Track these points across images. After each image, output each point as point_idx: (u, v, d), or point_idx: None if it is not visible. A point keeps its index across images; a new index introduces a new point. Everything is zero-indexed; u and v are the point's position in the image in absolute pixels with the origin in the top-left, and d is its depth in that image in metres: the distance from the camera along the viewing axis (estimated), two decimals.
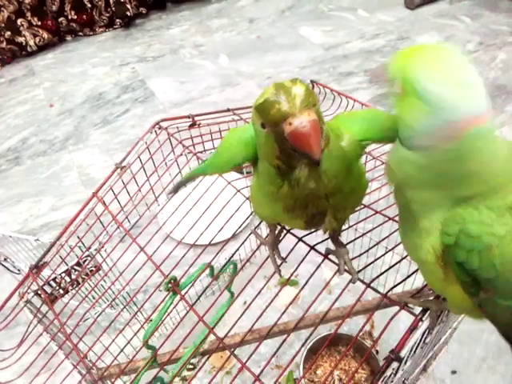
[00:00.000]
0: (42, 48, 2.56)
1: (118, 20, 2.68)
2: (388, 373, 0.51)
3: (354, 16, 2.58)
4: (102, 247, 0.85)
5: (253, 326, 0.66)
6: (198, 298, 0.71)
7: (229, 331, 0.66)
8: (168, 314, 0.67)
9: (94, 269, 0.93)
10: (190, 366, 1.01)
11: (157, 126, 0.87)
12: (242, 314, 0.63)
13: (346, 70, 2.14)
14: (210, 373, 1.11)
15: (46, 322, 0.76)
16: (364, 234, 0.75)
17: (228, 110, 0.94)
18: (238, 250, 0.74)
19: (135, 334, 0.72)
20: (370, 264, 0.65)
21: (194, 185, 0.86)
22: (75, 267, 0.89)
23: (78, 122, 2.05)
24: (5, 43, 2.46)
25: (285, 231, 0.68)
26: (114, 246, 0.81)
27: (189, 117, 0.89)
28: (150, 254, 0.76)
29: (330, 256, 0.64)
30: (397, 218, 0.74)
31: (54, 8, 2.52)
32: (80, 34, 2.68)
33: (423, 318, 0.53)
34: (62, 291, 0.87)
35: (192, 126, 0.89)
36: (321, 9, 2.69)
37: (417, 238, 0.43)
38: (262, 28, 2.57)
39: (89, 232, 0.82)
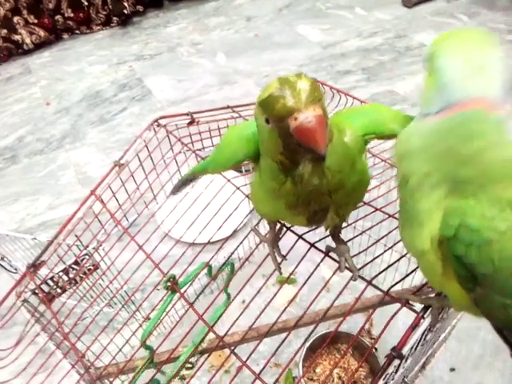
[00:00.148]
0: (39, 46, 2.54)
1: (115, 18, 2.67)
2: (390, 370, 0.51)
3: (352, 14, 2.57)
4: (100, 246, 0.85)
5: (253, 325, 0.65)
6: (197, 297, 0.70)
7: (228, 330, 0.66)
8: (167, 313, 0.66)
9: (91, 267, 0.92)
10: (189, 365, 1.01)
11: (155, 123, 0.87)
12: (242, 313, 0.63)
13: (344, 69, 2.13)
14: (208, 371, 1.10)
15: (44, 322, 0.76)
16: (363, 232, 0.75)
17: (227, 108, 0.94)
18: (236, 248, 0.73)
19: (133, 334, 0.72)
20: (370, 262, 0.65)
21: (193, 183, 0.86)
22: (73, 266, 0.88)
23: (74, 121, 2.03)
24: (1, 41, 2.44)
25: (285, 229, 0.68)
26: (112, 245, 0.81)
27: (188, 114, 0.88)
28: (148, 252, 0.75)
29: (331, 253, 0.64)
30: (397, 216, 0.74)
31: (51, 6, 2.50)
32: (77, 31, 2.67)
33: (425, 316, 0.52)
34: (59, 290, 0.86)
35: (191, 123, 0.89)
36: (318, 7, 2.68)
37: (416, 228, 0.42)
38: (260, 26, 2.57)
39: (87, 230, 0.82)
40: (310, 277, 0.63)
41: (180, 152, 0.89)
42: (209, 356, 0.70)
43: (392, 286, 0.59)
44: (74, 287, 0.88)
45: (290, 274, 0.67)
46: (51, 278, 0.87)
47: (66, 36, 2.65)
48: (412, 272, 0.64)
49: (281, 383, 1.06)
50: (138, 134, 0.89)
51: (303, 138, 0.39)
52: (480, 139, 0.35)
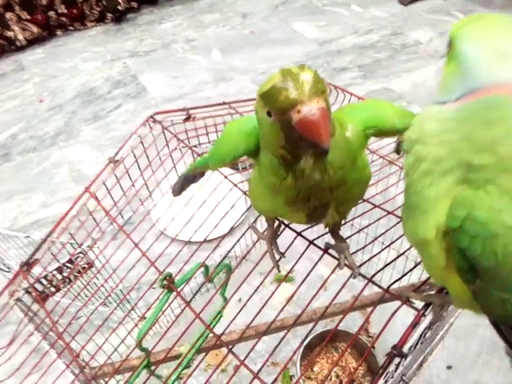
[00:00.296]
0: (32, 42, 2.52)
1: (109, 14, 2.65)
2: (390, 369, 0.50)
3: (348, 11, 2.57)
4: (95, 244, 0.84)
5: (250, 323, 0.64)
6: (194, 296, 0.69)
7: (226, 328, 0.65)
8: (163, 312, 0.65)
9: (86, 266, 0.91)
10: (186, 365, 1.00)
11: (151, 119, 0.86)
12: (239, 312, 0.62)
13: (340, 66, 2.13)
14: (205, 370, 1.10)
15: (37, 321, 0.74)
16: (361, 230, 0.74)
17: (223, 104, 0.92)
18: (233, 246, 0.72)
19: (129, 333, 0.70)
20: (368, 260, 0.65)
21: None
22: (67, 264, 0.87)
23: (68, 118, 2.01)
24: None
25: (283, 226, 0.67)
26: (107, 243, 0.80)
27: (183, 110, 0.87)
28: (143, 250, 0.74)
29: (330, 251, 0.63)
30: (395, 212, 0.74)
31: (44, 2, 2.47)
32: (70, 28, 2.64)
33: (425, 313, 0.52)
34: (53, 289, 0.85)
35: (187, 119, 0.87)
36: (314, 4, 2.67)
37: (421, 216, 0.41)
38: (255, 23, 2.55)
39: (81, 228, 0.80)
40: (308, 275, 0.62)
41: (176, 148, 0.88)
42: (206, 355, 0.69)
43: (392, 284, 0.58)
44: (68, 286, 0.87)
45: (288, 272, 0.66)
46: (45, 277, 0.86)
47: (59, 32, 2.62)
48: (411, 270, 0.63)
49: (278, 382, 1.06)
50: (132, 131, 0.87)
51: (306, 131, 0.38)
52: (501, 125, 0.34)
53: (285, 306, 0.62)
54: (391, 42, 2.26)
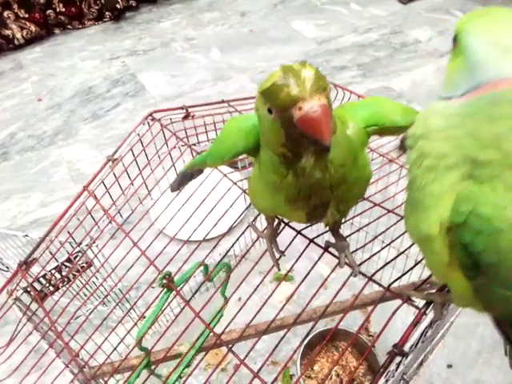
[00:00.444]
0: (30, 41, 2.50)
1: (107, 13, 2.64)
2: (391, 368, 0.50)
3: (347, 10, 2.56)
4: (94, 242, 0.83)
5: (250, 322, 0.64)
6: (193, 295, 0.69)
7: (226, 328, 0.65)
8: (162, 311, 0.65)
9: (85, 265, 0.90)
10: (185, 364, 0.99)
11: (149, 117, 0.85)
12: (239, 311, 0.62)
13: (340, 64, 2.12)
14: (204, 370, 1.09)
15: (36, 320, 0.74)
16: (360, 229, 0.74)
17: (222, 102, 0.92)
18: (233, 245, 0.72)
19: (128, 332, 0.70)
20: (368, 258, 0.64)
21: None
22: (66, 263, 0.86)
23: (67, 117, 2.01)
24: None
25: (283, 224, 0.67)
26: (106, 242, 0.79)
27: (182, 108, 0.87)
28: (142, 249, 0.74)
29: (330, 249, 0.63)
30: (396, 211, 0.73)
31: (42, 0, 2.46)
32: (69, 26, 2.63)
33: (427, 312, 0.51)
34: (52, 288, 0.85)
35: (186, 117, 0.87)
36: (313, 2, 2.67)
37: (424, 212, 0.40)
38: (254, 21, 2.55)
39: (79, 227, 0.80)
40: (308, 274, 0.62)
41: (175, 147, 0.87)
42: (206, 354, 0.69)
43: (393, 282, 0.58)
44: (67, 285, 0.86)
45: (288, 271, 0.66)
46: (43, 276, 0.85)
47: (57, 31, 2.61)
48: (411, 269, 0.63)
49: (278, 381, 1.05)
50: (131, 130, 0.87)
51: (308, 128, 0.38)
52: (506, 121, 0.34)
53: (285, 304, 0.61)
54: (391, 41, 2.26)
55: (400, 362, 0.52)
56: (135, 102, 2.04)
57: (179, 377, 0.73)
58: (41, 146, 1.86)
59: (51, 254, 0.81)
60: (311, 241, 0.64)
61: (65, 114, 2.02)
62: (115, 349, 0.71)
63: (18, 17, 2.43)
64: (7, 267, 1.06)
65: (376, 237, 0.72)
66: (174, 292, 0.65)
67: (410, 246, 0.67)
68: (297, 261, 0.65)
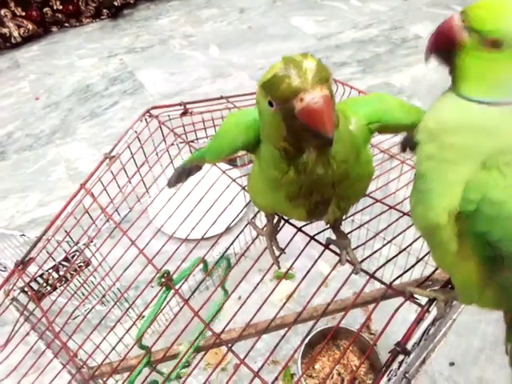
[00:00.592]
0: (27, 39, 2.49)
1: (105, 10, 2.62)
2: (394, 366, 0.49)
3: (347, 5, 2.55)
4: (91, 241, 0.82)
5: (250, 321, 0.63)
6: (193, 293, 0.68)
7: (225, 327, 0.64)
8: (161, 310, 0.64)
9: (82, 264, 0.89)
10: (185, 363, 0.98)
11: (147, 113, 0.84)
12: (238, 310, 0.61)
13: (339, 60, 2.11)
14: (204, 369, 1.08)
15: (34, 320, 0.73)
16: (361, 226, 0.73)
17: (221, 98, 0.91)
18: (232, 243, 0.71)
19: (127, 332, 0.69)
20: (370, 255, 0.63)
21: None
22: (63, 263, 0.85)
23: (64, 115, 1.99)
24: None
25: (283, 221, 0.66)
26: (104, 240, 0.78)
27: (180, 104, 0.86)
28: (140, 248, 0.73)
29: (331, 246, 0.62)
30: (397, 207, 0.72)
31: None
32: (66, 24, 2.61)
33: (429, 309, 0.51)
34: (49, 288, 0.84)
35: (184, 114, 0.86)
36: None
37: (432, 201, 0.39)
38: (253, 18, 2.53)
39: (77, 226, 0.79)
40: (308, 271, 0.61)
41: (173, 144, 0.86)
42: (205, 354, 0.68)
43: (395, 280, 0.57)
44: (65, 285, 0.85)
45: (288, 268, 0.64)
46: (41, 276, 0.84)
47: (54, 29, 2.60)
48: (413, 266, 0.62)
49: (279, 381, 1.05)
50: (128, 127, 0.86)
51: (309, 120, 0.37)
52: None
53: (285, 303, 0.60)
54: (391, 37, 2.24)
55: (402, 360, 0.52)
56: (133, 99, 2.03)
57: (179, 377, 0.73)
58: (38, 144, 1.85)
59: (48, 253, 0.80)
60: (312, 238, 0.63)
61: (62, 113, 2.01)
62: (114, 348, 0.70)
63: (14, 15, 2.41)
64: (4, 267, 1.05)
65: (377, 234, 0.71)
66: (173, 291, 0.64)
67: (412, 243, 0.66)
68: (297, 258, 0.64)
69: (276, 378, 0.57)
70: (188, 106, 0.87)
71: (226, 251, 0.70)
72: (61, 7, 2.53)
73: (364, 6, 2.52)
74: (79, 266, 0.88)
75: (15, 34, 2.42)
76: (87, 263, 0.87)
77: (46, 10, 2.50)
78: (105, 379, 0.68)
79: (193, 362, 0.70)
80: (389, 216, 0.73)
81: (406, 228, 0.66)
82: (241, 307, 0.61)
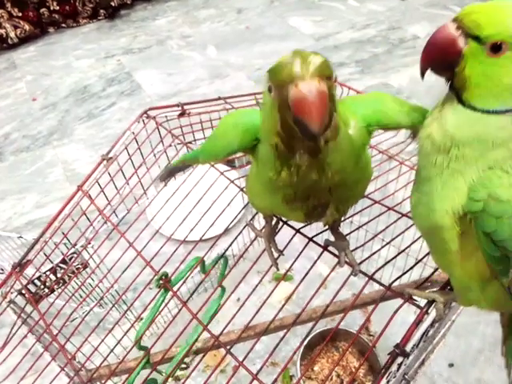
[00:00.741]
0: (24, 40, 2.48)
1: (102, 11, 2.62)
2: (393, 368, 0.49)
3: (345, 6, 2.55)
4: (89, 243, 0.82)
5: (249, 323, 0.63)
6: (191, 295, 0.67)
7: (224, 329, 0.64)
8: (159, 312, 0.64)
9: (80, 266, 0.89)
10: (184, 366, 0.98)
11: (144, 115, 0.84)
12: (237, 312, 0.61)
13: (338, 61, 2.11)
14: (203, 371, 1.08)
15: (31, 323, 0.73)
16: (360, 227, 0.73)
17: (219, 99, 0.91)
18: (230, 245, 0.71)
19: (125, 334, 0.69)
20: (368, 257, 0.63)
21: (184, 177, 0.83)
22: (60, 265, 0.85)
23: (62, 117, 1.99)
24: None
25: (281, 223, 0.65)
26: (101, 242, 0.78)
27: (178, 105, 0.85)
28: (138, 250, 0.72)
29: (329, 248, 0.61)
30: (396, 208, 0.72)
31: None
32: (63, 25, 2.61)
33: (428, 311, 0.50)
34: (47, 290, 0.83)
35: (181, 114, 0.85)
36: None
37: (436, 203, 0.39)
38: (251, 18, 2.53)
39: (74, 228, 0.79)
40: (307, 273, 0.61)
41: (171, 145, 0.86)
42: (204, 356, 0.67)
43: (394, 281, 0.57)
44: (62, 287, 0.85)
45: (287, 270, 0.64)
46: (38, 278, 0.84)
47: (51, 30, 2.59)
48: (412, 267, 0.62)
49: (278, 383, 1.04)
50: (126, 129, 0.85)
51: (299, 108, 0.36)
52: None
53: (284, 305, 0.60)
54: (389, 37, 2.24)
55: (402, 362, 0.51)
56: (131, 100, 2.03)
57: (177, 379, 0.72)
58: (36, 146, 1.84)
59: (45, 255, 0.79)
60: (310, 239, 0.63)
61: (60, 114, 2.00)
62: (112, 351, 0.69)
63: (11, 15, 2.40)
64: (2, 269, 1.05)
65: (376, 235, 0.71)
66: (171, 293, 0.64)
67: (411, 245, 0.65)
68: (296, 260, 0.64)
69: (275, 380, 0.57)
70: (186, 107, 0.87)
71: (224, 253, 0.69)
72: (57, 8, 2.52)
73: (362, 7, 2.52)
74: (77, 268, 0.88)
75: (12, 34, 2.41)
76: (85, 265, 0.87)
77: (42, 10, 2.49)
78: (103, 382, 0.68)
79: (191, 364, 0.69)
80: (387, 217, 0.73)
81: (404, 229, 0.66)
82: (239, 309, 0.61)
